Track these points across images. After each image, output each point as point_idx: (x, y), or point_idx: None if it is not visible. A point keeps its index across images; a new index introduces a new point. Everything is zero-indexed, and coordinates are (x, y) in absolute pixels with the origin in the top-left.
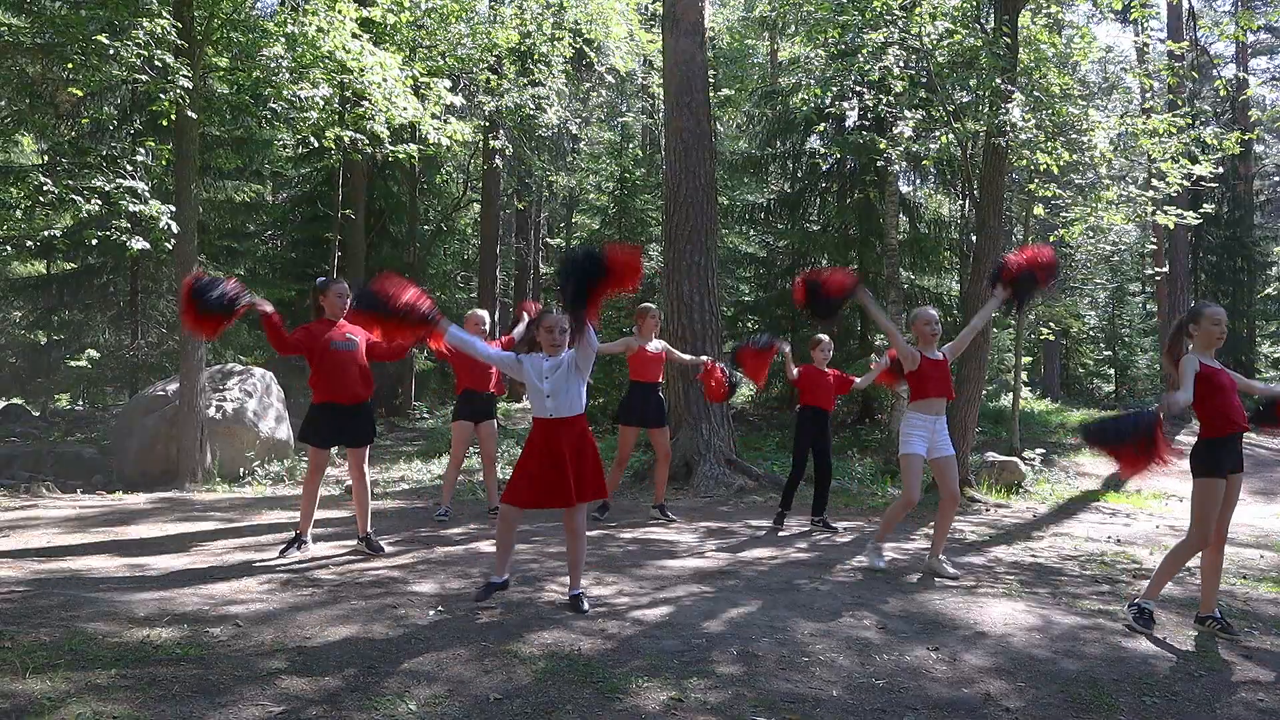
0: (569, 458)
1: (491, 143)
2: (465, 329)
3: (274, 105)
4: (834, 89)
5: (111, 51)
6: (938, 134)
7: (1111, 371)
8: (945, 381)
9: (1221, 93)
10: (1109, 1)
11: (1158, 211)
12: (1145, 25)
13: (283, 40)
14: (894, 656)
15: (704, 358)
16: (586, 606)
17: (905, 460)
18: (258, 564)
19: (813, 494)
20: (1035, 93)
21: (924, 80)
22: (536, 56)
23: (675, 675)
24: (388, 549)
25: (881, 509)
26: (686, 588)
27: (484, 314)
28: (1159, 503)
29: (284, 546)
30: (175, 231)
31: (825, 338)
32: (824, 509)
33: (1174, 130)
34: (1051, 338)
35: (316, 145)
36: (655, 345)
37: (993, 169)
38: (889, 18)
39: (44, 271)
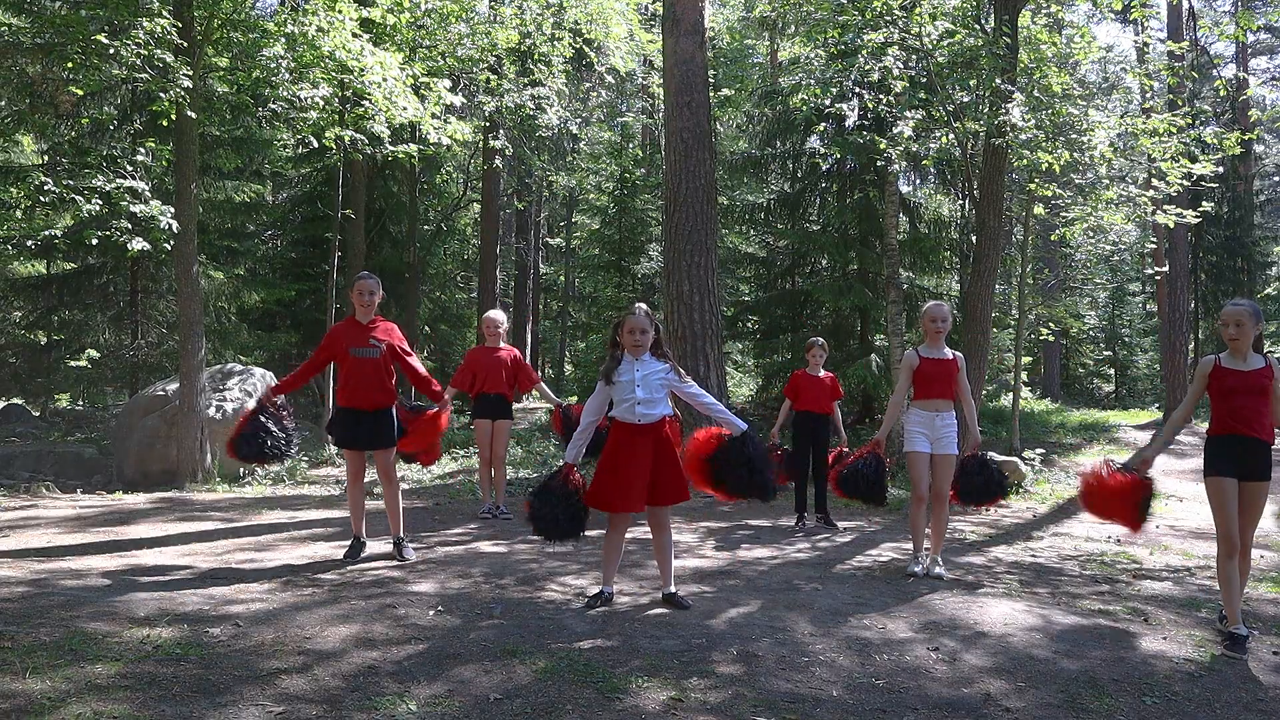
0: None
1: (491, 143)
2: (484, 334)
3: (274, 105)
4: (834, 89)
5: (111, 51)
6: (938, 134)
7: (1111, 371)
8: (945, 382)
9: (1221, 93)
10: (1109, 1)
11: (1158, 211)
12: (1145, 25)
13: (283, 40)
14: (894, 656)
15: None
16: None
17: (908, 459)
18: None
19: (814, 493)
20: (1035, 93)
21: (924, 80)
22: (536, 56)
23: (675, 675)
24: (376, 550)
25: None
26: (686, 588)
27: (500, 315)
28: (1158, 503)
29: (344, 554)
30: (175, 231)
31: (819, 340)
32: (826, 505)
33: (1174, 130)
34: (1051, 338)
35: (316, 145)
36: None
37: (993, 169)
38: (889, 18)
39: (44, 271)
